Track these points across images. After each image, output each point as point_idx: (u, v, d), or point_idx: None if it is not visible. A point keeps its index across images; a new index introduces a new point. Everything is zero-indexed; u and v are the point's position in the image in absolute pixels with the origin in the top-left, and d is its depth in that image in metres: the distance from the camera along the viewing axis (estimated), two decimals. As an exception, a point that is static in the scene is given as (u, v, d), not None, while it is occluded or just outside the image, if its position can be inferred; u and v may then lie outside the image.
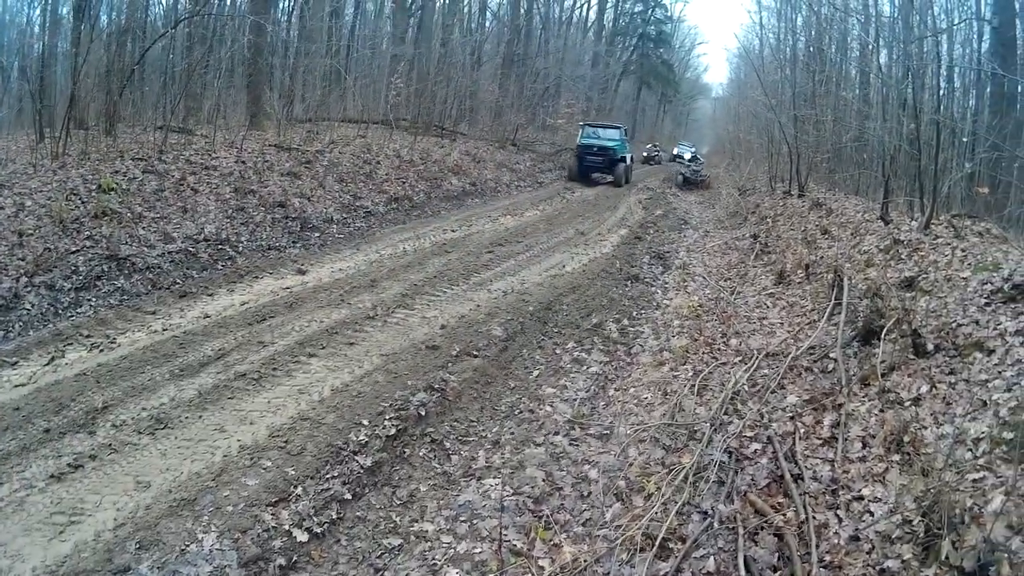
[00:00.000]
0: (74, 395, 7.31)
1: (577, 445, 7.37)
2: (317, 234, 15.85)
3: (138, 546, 5.03)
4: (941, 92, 16.45)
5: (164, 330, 9.39)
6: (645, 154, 56.90)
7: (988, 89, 20.59)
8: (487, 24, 51.40)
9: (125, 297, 10.54)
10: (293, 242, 14.95)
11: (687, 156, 61.09)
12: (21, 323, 9.18)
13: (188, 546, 5.07)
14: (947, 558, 4.40)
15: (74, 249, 10.88)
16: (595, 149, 37.43)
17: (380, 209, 19.28)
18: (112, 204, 12.33)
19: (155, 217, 12.94)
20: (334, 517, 5.84)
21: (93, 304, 10.12)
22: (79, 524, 5.32)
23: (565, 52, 55.38)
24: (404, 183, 22.19)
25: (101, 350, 8.57)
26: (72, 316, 9.70)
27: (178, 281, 11.49)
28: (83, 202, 12.22)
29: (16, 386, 7.47)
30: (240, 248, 13.55)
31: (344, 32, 35.88)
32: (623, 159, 38.07)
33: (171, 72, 20.34)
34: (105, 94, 17.52)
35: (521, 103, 44.41)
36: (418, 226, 18.75)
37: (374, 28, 39.53)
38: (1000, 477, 4.95)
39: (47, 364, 8.04)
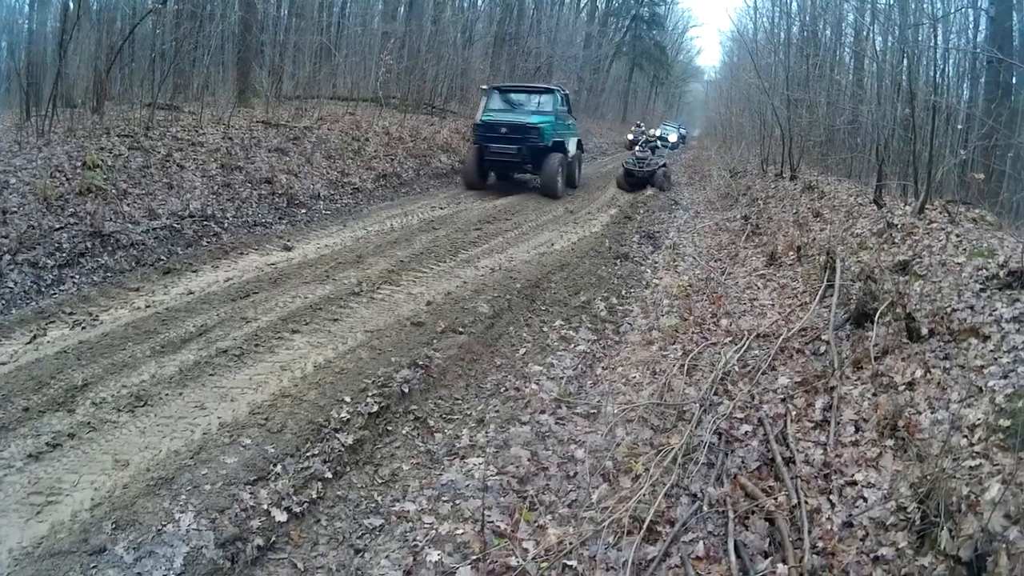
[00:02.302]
0: (54, 373, 7.23)
1: (563, 424, 7.31)
2: (304, 210, 15.94)
3: (114, 526, 4.94)
4: (937, 77, 16.41)
5: (147, 307, 9.33)
6: (631, 137, 42.21)
7: (983, 78, 20.58)
8: (479, 2, 51.32)
9: (109, 274, 10.49)
10: (279, 218, 15.03)
11: (672, 138, 56.96)
12: (3, 301, 9.10)
13: (165, 526, 4.98)
14: (943, 547, 4.33)
15: (58, 226, 10.78)
16: (504, 130, 21.86)
17: (368, 186, 19.46)
18: (97, 181, 12.24)
19: (140, 194, 12.87)
20: (314, 496, 5.77)
21: (76, 281, 10.05)
22: (56, 504, 5.23)
23: (557, 32, 55.19)
24: (393, 160, 22.38)
25: (83, 327, 8.50)
26: (55, 294, 9.63)
27: (162, 258, 11.48)
28: (68, 179, 12.12)
29: (-1, 364, 7.36)
30: (226, 224, 13.56)
31: (334, 9, 35.61)
32: (559, 147, 23.07)
33: (160, 49, 20.23)
34: (93, 71, 17.41)
35: (512, 82, 43.45)
36: (406, 203, 19.02)
37: (365, 5, 39.22)
38: (996, 465, 4.89)
39: (29, 342, 7.96)
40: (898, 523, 4.80)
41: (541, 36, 50.69)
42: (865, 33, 24.37)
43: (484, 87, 26.01)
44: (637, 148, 30.53)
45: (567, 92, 26.97)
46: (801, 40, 28.37)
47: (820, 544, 4.78)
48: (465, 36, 40.54)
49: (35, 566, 4.60)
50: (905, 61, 15.91)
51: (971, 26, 21.30)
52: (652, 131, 35.23)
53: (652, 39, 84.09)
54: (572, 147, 25.30)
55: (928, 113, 13.70)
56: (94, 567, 4.61)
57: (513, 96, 24.69)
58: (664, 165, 29.32)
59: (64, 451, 5.93)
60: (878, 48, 22.78)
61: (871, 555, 4.62)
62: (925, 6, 19.77)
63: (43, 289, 9.61)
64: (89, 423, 6.35)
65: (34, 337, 8.08)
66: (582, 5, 72.16)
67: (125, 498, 5.29)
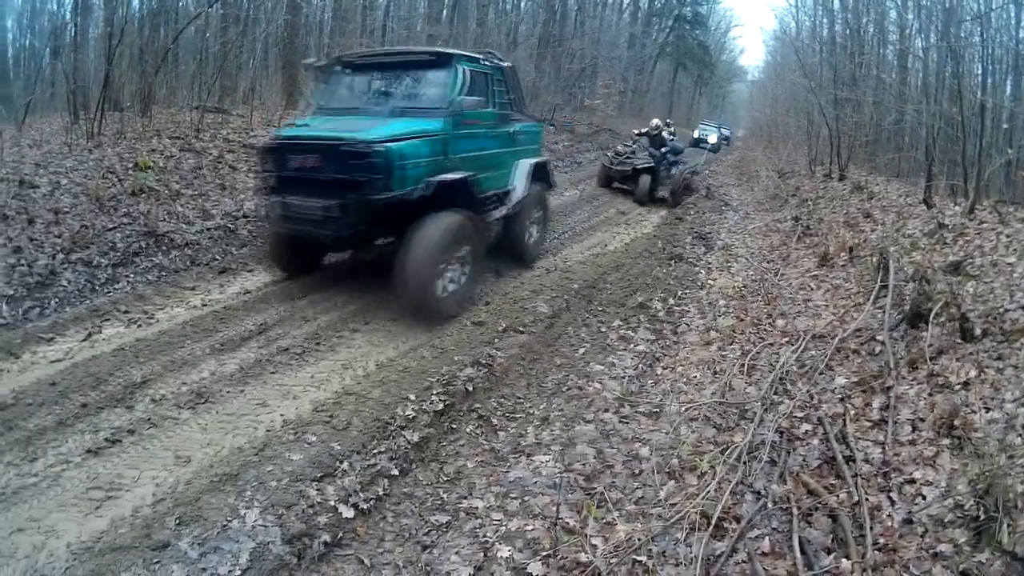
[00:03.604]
0: (112, 370, 7.31)
1: (627, 423, 7.28)
2: (358, 210, 15.74)
3: (178, 522, 4.99)
4: (985, 74, 16.40)
5: (204, 305, 9.44)
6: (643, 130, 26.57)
7: (1026, 76, 20.46)
8: (522, 5, 51.20)
9: (163, 273, 10.56)
10: (334, 218, 14.87)
11: (712, 139, 54.03)
12: (57, 300, 9.15)
13: (230, 522, 5.04)
14: (1002, 543, 4.34)
15: (111, 226, 10.86)
16: (302, 162, 9.50)
17: (420, 186, 19.09)
18: (149, 182, 12.36)
19: (193, 194, 12.97)
20: (380, 493, 5.80)
21: (131, 280, 10.12)
22: (116, 499, 5.30)
23: (601, 33, 54.60)
24: (442, 160, 21.90)
25: (139, 325, 8.60)
26: (109, 292, 9.69)
27: (217, 257, 11.53)
28: (120, 180, 12.23)
29: (52, 362, 7.46)
30: (281, 224, 13.47)
31: (378, 12, 35.67)
32: (459, 192, 10.13)
33: (206, 53, 20.39)
34: (140, 75, 17.60)
35: (558, 84, 42.43)
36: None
37: (409, 8, 39.19)
38: (1050, 464, 4.90)
39: (84, 340, 8.04)
40: (956, 520, 4.82)
41: (585, 37, 50.13)
42: (908, 30, 24.30)
43: (309, 60, 13.39)
44: (620, 144, 24.87)
45: (505, 64, 12.63)
46: (845, 38, 28.25)
47: (881, 540, 4.79)
48: (509, 39, 40.34)
49: (95, 561, 4.65)
50: (950, 59, 15.89)
51: (1012, 23, 21.19)
52: (654, 121, 24.91)
53: (695, 39, 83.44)
54: (518, 184, 12.50)
55: (975, 112, 13.65)
56: (157, 562, 4.66)
57: (373, 77, 11.35)
58: (650, 169, 22.20)
59: (124, 447, 6.00)
60: (921, 45, 22.74)
61: (931, 551, 4.63)
62: (967, 3, 19.67)
63: (97, 288, 9.66)
64: (149, 419, 6.44)
65: (89, 335, 8.16)
66: (625, 6, 71.76)
67: (188, 494, 5.35)
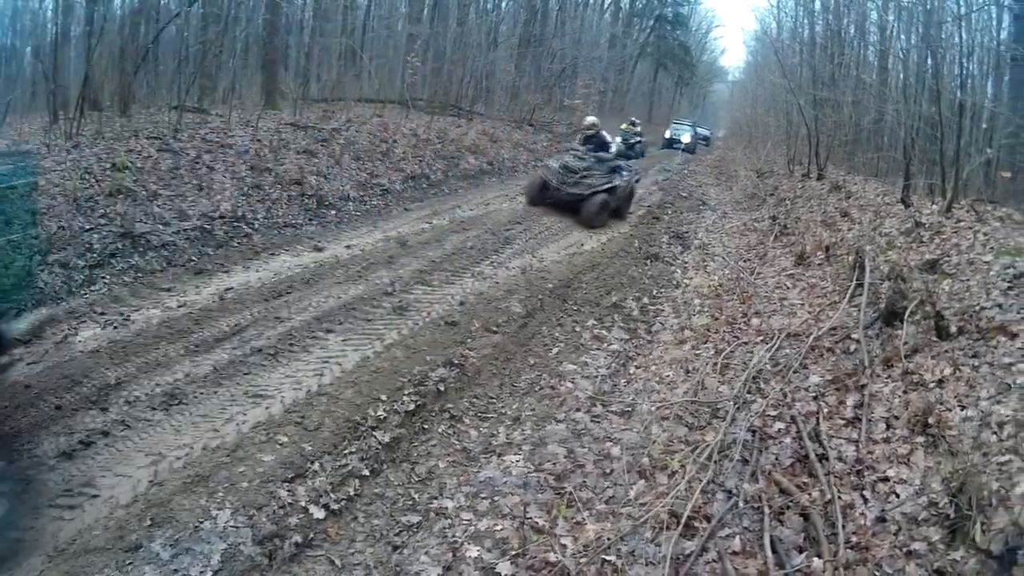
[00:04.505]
0: (87, 372, 7.24)
1: (599, 422, 7.33)
2: (334, 211, 15.76)
3: (151, 523, 4.98)
4: (964, 75, 16.44)
5: (179, 307, 9.31)
6: (619, 139, 25.73)
7: (1007, 76, 20.51)
8: (503, 5, 51.12)
9: (140, 274, 10.43)
10: (310, 219, 14.86)
11: (685, 139, 51.80)
12: (33, 301, 9.09)
13: (202, 523, 5.02)
14: (976, 541, 4.36)
15: (88, 227, 10.79)
16: None
17: (397, 187, 19.14)
18: (127, 182, 12.26)
19: (170, 195, 12.85)
20: (351, 494, 5.82)
21: (107, 282, 10.00)
22: (90, 502, 5.26)
23: (581, 33, 54.41)
24: (421, 161, 21.97)
25: (115, 327, 8.50)
26: (85, 294, 9.59)
27: (193, 258, 11.38)
28: (97, 181, 12.14)
29: (28, 364, 7.39)
30: (256, 225, 13.44)
31: (359, 12, 35.55)
32: None
33: (185, 52, 20.34)
34: (119, 75, 17.54)
35: (538, 84, 42.70)
36: (435, 204, 18.65)
37: (390, 7, 39.02)
38: (1026, 461, 4.91)
39: (60, 342, 7.99)
40: (930, 518, 4.85)
41: (565, 38, 49.94)
42: (889, 31, 24.37)
43: None
44: (571, 153, 19.15)
45: None
46: (825, 39, 28.34)
47: (854, 539, 4.81)
48: (490, 38, 40.23)
49: (69, 563, 4.64)
50: (930, 59, 15.94)
51: (994, 23, 21.27)
52: (589, 119, 20.34)
53: (676, 39, 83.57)
54: None
55: (954, 111, 13.70)
56: (130, 564, 4.64)
57: None
58: (611, 189, 17.77)
59: (98, 449, 5.96)
60: (902, 46, 22.83)
61: (904, 549, 4.65)
62: (948, 4, 19.72)
63: (74, 289, 9.57)
64: (123, 421, 6.38)
65: (65, 337, 8.12)
66: (606, 6, 71.67)
67: (161, 495, 5.32)
